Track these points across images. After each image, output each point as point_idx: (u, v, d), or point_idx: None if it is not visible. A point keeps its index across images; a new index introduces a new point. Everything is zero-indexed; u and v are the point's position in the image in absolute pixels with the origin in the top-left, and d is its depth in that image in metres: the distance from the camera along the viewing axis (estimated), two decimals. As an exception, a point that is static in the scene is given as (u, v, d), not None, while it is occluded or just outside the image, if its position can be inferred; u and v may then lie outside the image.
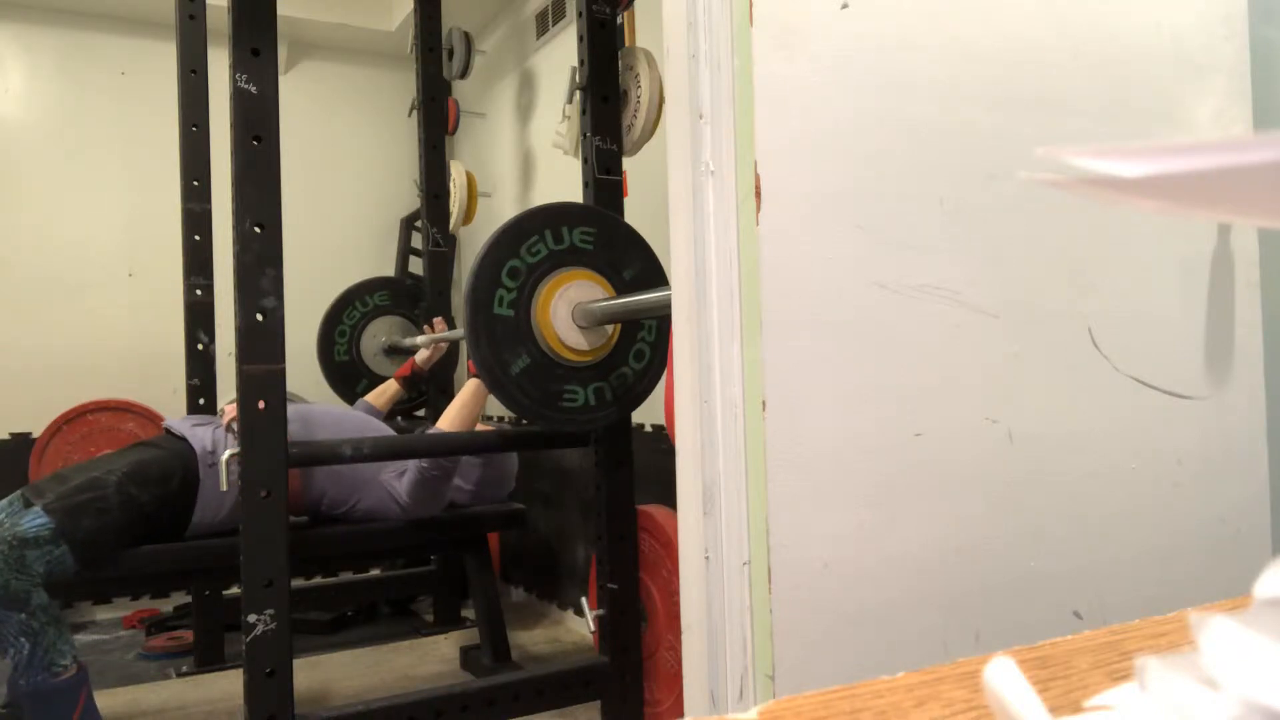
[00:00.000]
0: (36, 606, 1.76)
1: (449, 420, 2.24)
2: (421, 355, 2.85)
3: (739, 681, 1.00)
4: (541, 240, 1.80)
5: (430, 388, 3.03)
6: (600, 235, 1.88)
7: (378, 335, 3.25)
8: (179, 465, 2.08)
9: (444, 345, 2.86)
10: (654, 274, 1.95)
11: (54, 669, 1.76)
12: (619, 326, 1.91)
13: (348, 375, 3.19)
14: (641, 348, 1.94)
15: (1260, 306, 1.31)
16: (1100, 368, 1.18)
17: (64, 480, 1.97)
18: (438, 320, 2.86)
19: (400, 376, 2.85)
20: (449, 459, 2.25)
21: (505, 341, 1.75)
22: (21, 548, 1.77)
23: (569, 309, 1.81)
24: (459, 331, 2.72)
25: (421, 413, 3.18)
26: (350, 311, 3.21)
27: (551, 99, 3.22)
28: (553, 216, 1.84)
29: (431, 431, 2.24)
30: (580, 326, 1.82)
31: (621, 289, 1.90)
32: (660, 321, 1.96)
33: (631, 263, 1.91)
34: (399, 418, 3.06)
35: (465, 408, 2.24)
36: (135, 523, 1.98)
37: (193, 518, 2.09)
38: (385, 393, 2.83)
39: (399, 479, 2.27)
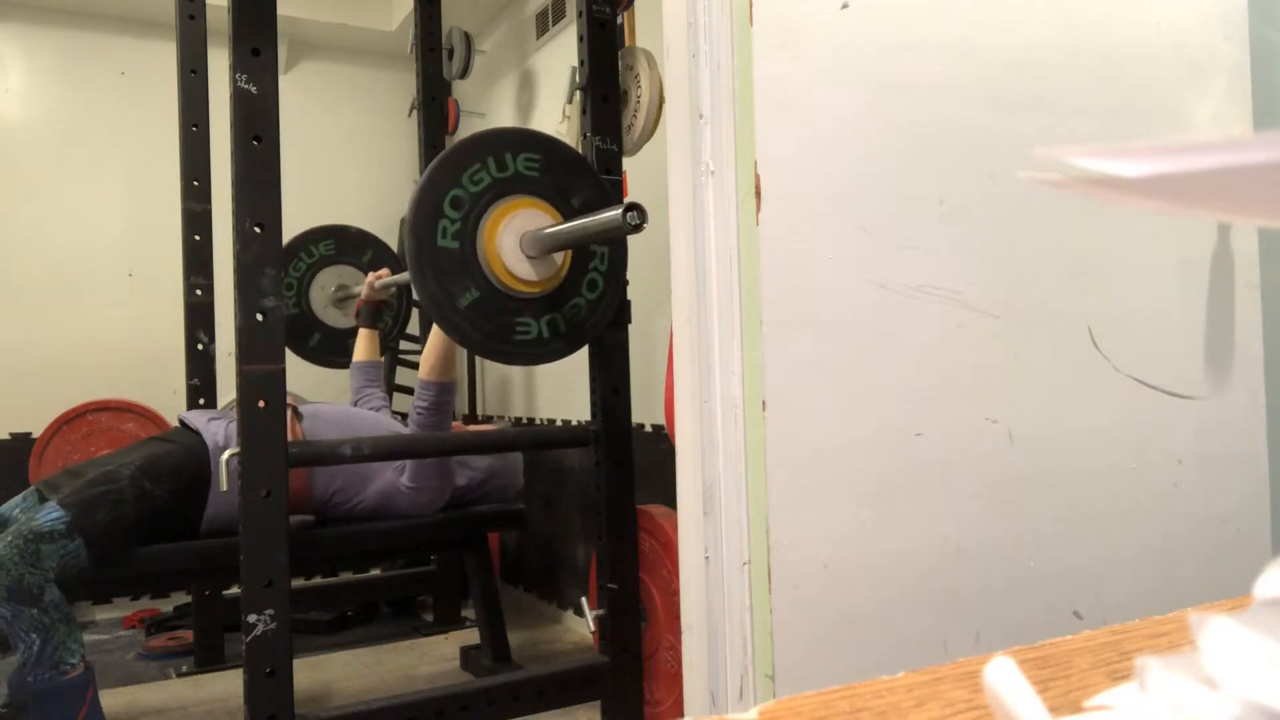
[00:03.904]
0: (49, 603, 1.76)
1: (427, 366, 2.20)
2: (364, 290, 2.72)
3: (739, 681, 1.00)
4: (484, 168, 1.74)
5: (394, 330, 2.99)
6: (546, 161, 1.82)
7: (326, 286, 3.08)
8: (191, 460, 2.09)
9: (391, 290, 2.74)
10: (602, 200, 1.88)
11: (62, 667, 1.77)
12: (569, 256, 1.84)
13: (298, 329, 3.01)
14: (594, 277, 1.88)
15: (1260, 306, 1.31)
16: (1100, 368, 1.18)
17: (78, 475, 1.98)
18: (380, 271, 2.73)
19: (358, 320, 2.74)
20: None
21: (451, 274, 1.69)
22: (37, 541, 1.78)
23: (516, 238, 1.74)
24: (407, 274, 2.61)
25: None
26: (296, 264, 3.02)
27: (551, 99, 3.22)
28: (495, 142, 1.77)
29: (418, 383, 2.22)
30: (529, 256, 1.75)
31: (570, 215, 1.83)
32: (611, 250, 1.90)
33: (580, 189, 1.85)
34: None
35: (435, 349, 2.19)
36: (149, 516, 1.98)
37: (206, 512, 2.09)
38: (363, 344, 2.71)
39: (399, 471, 2.28)
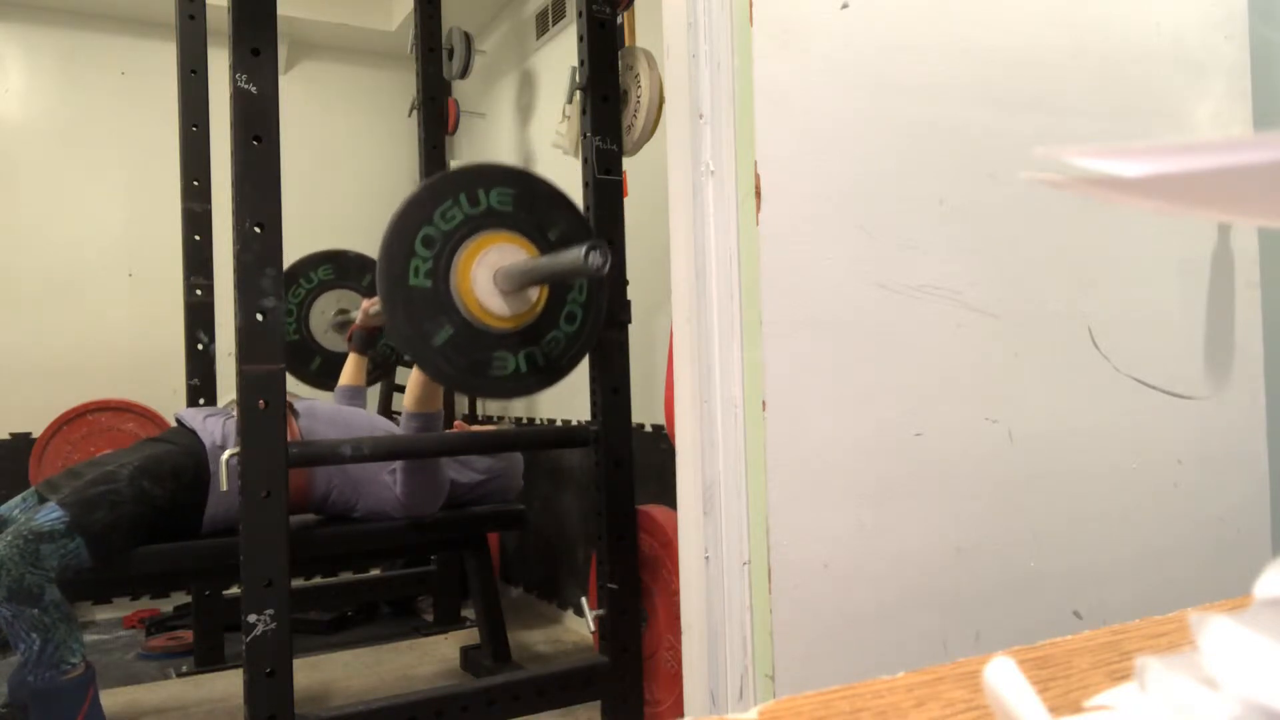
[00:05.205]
0: (49, 602, 1.76)
1: (411, 399, 2.21)
2: (359, 316, 2.69)
3: (739, 681, 1.00)
4: (456, 205, 1.74)
5: (394, 355, 2.97)
6: (520, 195, 1.81)
7: (326, 311, 3.09)
8: (190, 460, 2.08)
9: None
10: (580, 232, 1.87)
11: (62, 667, 1.77)
12: (545, 289, 1.83)
13: (299, 354, 3.02)
14: (573, 310, 1.87)
15: (1260, 306, 1.31)
16: (1100, 368, 1.18)
17: (78, 475, 1.98)
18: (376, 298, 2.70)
19: (350, 346, 2.72)
20: None
21: (424, 313, 1.68)
22: (37, 541, 1.78)
23: (490, 274, 1.74)
24: None
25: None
26: (295, 290, 3.02)
27: (551, 99, 3.22)
28: (467, 179, 1.77)
29: (404, 414, 2.21)
30: (503, 291, 1.75)
31: (547, 250, 1.82)
32: (590, 281, 1.88)
33: (556, 222, 1.84)
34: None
35: (417, 382, 2.19)
36: (149, 516, 1.98)
37: (206, 512, 2.09)
38: (350, 368, 2.70)
39: (393, 475, 2.26)
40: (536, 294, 1.82)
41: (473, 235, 1.75)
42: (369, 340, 2.69)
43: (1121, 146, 0.21)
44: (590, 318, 1.90)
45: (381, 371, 3.11)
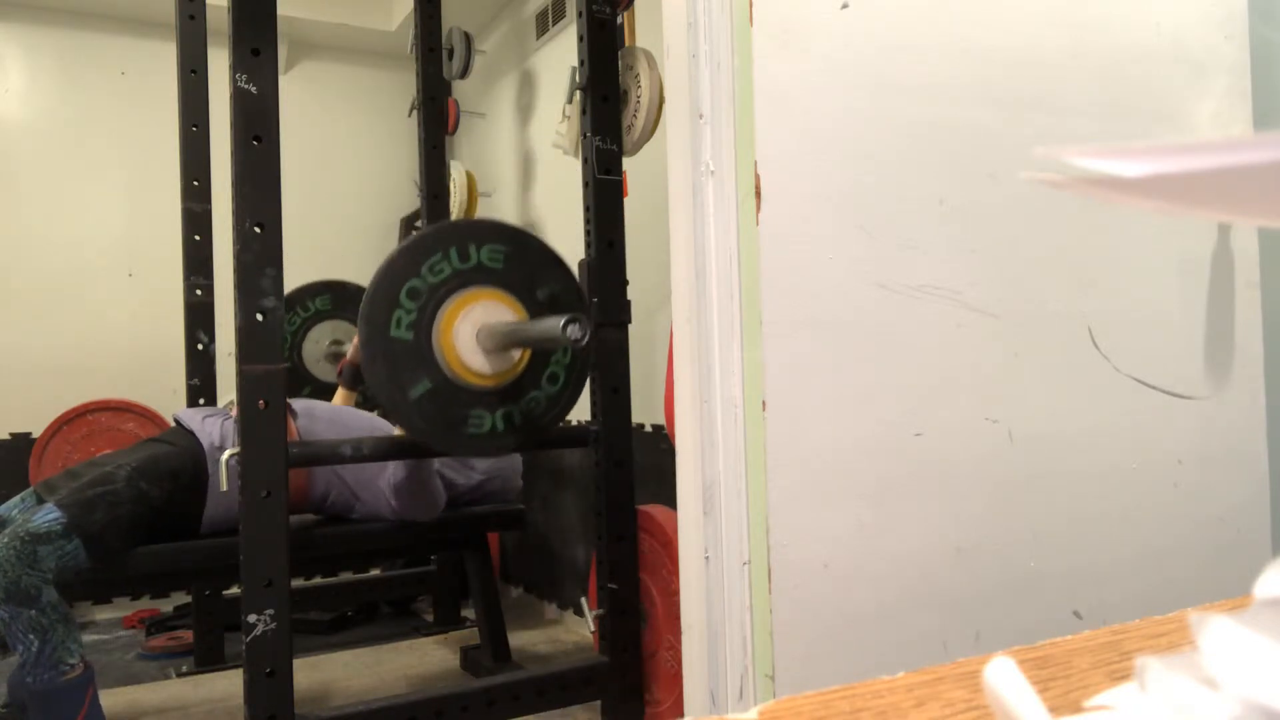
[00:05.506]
0: (47, 603, 1.76)
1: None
2: (350, 351, 2.68)
3: (739, 681, 1.00)
4: (445, 259, 1.73)
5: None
6: (511, 253, 1.80)
7: (320, 340, 3.07)
8: (189, 461, 2.08)
9: None
10: (570, 293, 1.86)
11: (61, 667, 1.77)
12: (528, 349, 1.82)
13: (290, 382, 2.96)
14: (556, 370, 1.86)
15: (1260, 306, 1.31)
16: (1100, 368, 1.18)
17: (76, 476, 1.98)
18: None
19: (340, 380, 2.69)
20: (417, 463, 2.18)
21: (403, 365, 1.68)
22: (34, 543, 1.78)
23: (473, 331, 1.73)
24: None
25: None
26: (291, 318, 3.01)
27: (551, 99, 3.22)
28: (459, 233, 1.76)
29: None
30: (485, 349, 1.73)
31: (535, 309, 1.81)
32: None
33: (546, 282, 1.83)
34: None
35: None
36: (147, 517, 1.98)
37: (205, 512, 2.09)
38: (338, 403, 2.64)
39: (389, 485, 2.26)
40: (519, 353, 1.80)
41: (460, 290, 1.74)
42: (359, 376, 2.64)
43: (1121, 146, 0.21)
44: (573, 379, 1.89)
45: (370, 406, 3.09)
